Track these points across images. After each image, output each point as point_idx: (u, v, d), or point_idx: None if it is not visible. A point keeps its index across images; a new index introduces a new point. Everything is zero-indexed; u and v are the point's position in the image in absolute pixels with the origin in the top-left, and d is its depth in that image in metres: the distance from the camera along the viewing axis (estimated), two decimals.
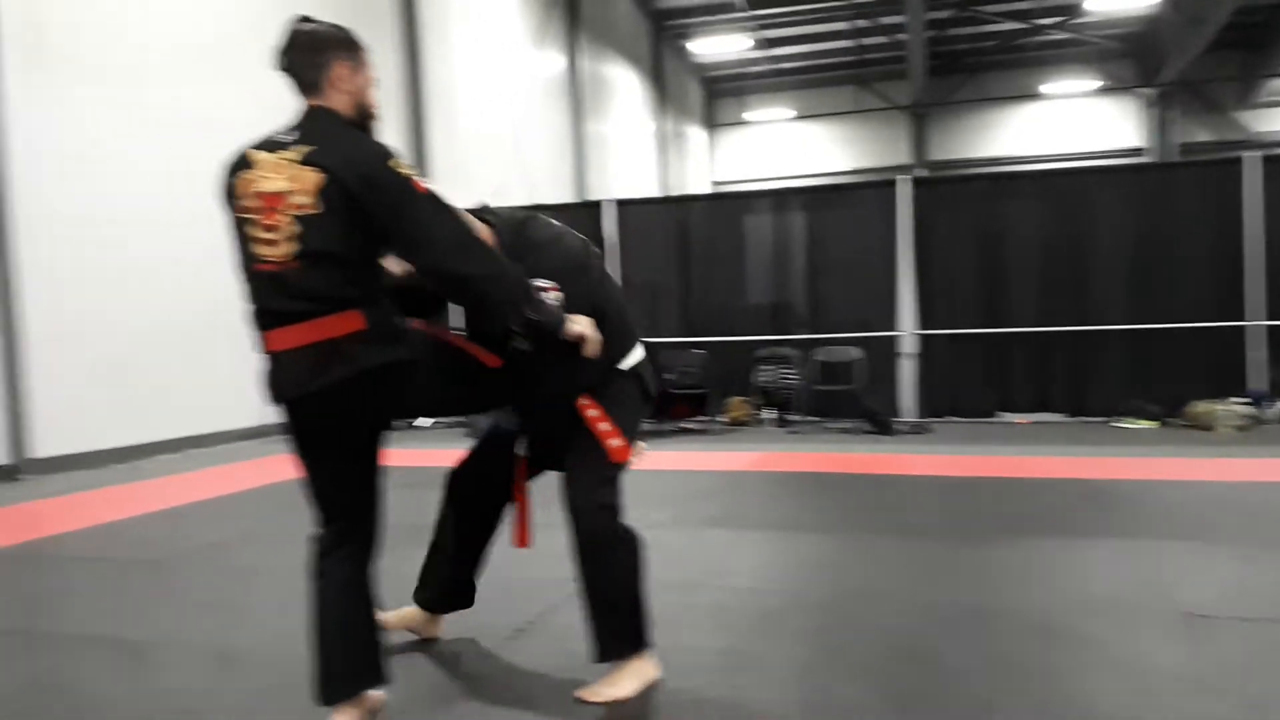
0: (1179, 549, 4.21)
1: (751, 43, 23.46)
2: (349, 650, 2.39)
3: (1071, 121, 25.00)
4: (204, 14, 9.07)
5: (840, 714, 2.59)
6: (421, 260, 2.32)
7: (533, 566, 3.41)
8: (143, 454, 8.13)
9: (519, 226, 2.71)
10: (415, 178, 2.28)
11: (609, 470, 2.66)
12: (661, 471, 6.84)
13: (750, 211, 10.23)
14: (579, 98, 18.27)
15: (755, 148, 28.15)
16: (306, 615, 2.43)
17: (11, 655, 3.22)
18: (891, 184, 9.57)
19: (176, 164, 8.43)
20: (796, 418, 9.33)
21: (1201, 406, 8.26)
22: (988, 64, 25.12)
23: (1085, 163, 20.06)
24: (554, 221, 2.81)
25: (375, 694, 2.46)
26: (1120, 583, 3.69)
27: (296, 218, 2.21)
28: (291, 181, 2.21)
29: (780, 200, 10.24)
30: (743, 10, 21.34)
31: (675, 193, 22.67)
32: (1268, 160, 8.62)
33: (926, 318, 9.37)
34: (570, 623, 2.87)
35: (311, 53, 2.34)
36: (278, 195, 2.22)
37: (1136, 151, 24.22)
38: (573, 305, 2.55)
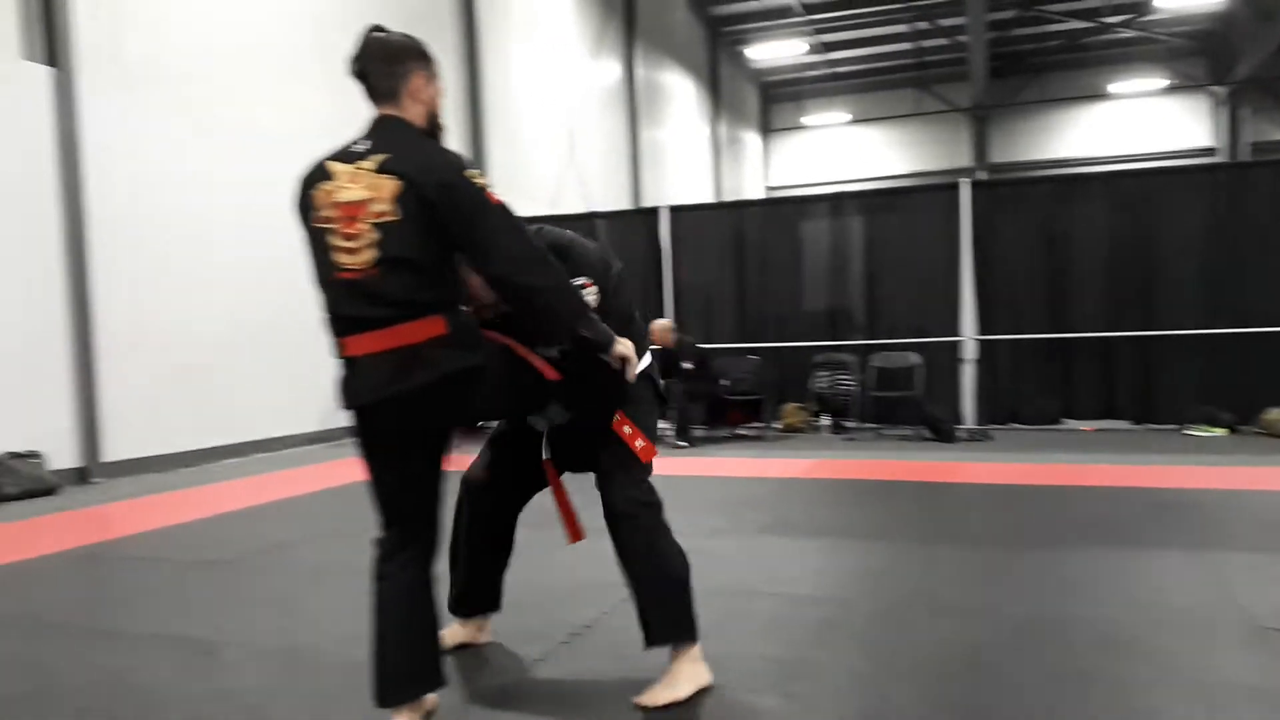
0: (1253, 560, 4.07)
1: (808, 47, 23.33)
2: (408, 653, 2.42)
3: (1139, 122, 24.44)
4: (271, 33, 9.30)
5: None
6: (492, 270, 2.34)
7: (590, 570, 3.42)
8: (210, 457, 8.35)
9: (535, 235, 2.77)
10: (489, 188, 2.32)
11: (640, 471, 2.74)
12: (716, 478, 6.82)
13: (806, 216, 10.16)
14: (635, 105, 18.34)
15: (811, 152, 27.98)
16: (369, 617, 2.46)
17: (85, 652, 3.32)
18: (952, 187, 9.44)
19: (244, 176, 8.68)
20: (853, 424, 9.24)
21: (1275, 413, 8.02)
22: (1052, 64, 24.66)
23: (1153, 163, 19.58)
24: (564, 230, 2.88)
25: (430, 696, 2.49)
26: (1190, 594, 3.59)
27: (376, 225, 2.25)
28: (370, 190, 2.25)
29: (837, 204, 10.15)
30: (800, 15, 21.23)
31: (730, 198, 22.61)
32: None
33: (987, 323, 9.22)
34: (627, 625, 2.87)
35: (390, 62, 2.38)
36: (358, 204, 2.26)
37: (1207, 151, 23.57)
38: (605, 303, 2.67)
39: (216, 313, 8.51)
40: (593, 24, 16.71)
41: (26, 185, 7.06)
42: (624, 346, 2.53)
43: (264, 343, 8.87)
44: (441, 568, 3.10)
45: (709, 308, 10.21)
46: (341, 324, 2.33)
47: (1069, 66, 24.67)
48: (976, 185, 9.48)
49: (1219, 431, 8.25)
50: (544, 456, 2.87)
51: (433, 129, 2.45)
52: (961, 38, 21.05)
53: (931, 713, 2.59)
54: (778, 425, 9.50)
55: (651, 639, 2.70)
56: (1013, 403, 9.23)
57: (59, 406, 7.25)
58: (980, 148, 25.27)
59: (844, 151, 27.32)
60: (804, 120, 27.85)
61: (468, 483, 3.02)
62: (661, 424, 9.14)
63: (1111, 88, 24.29)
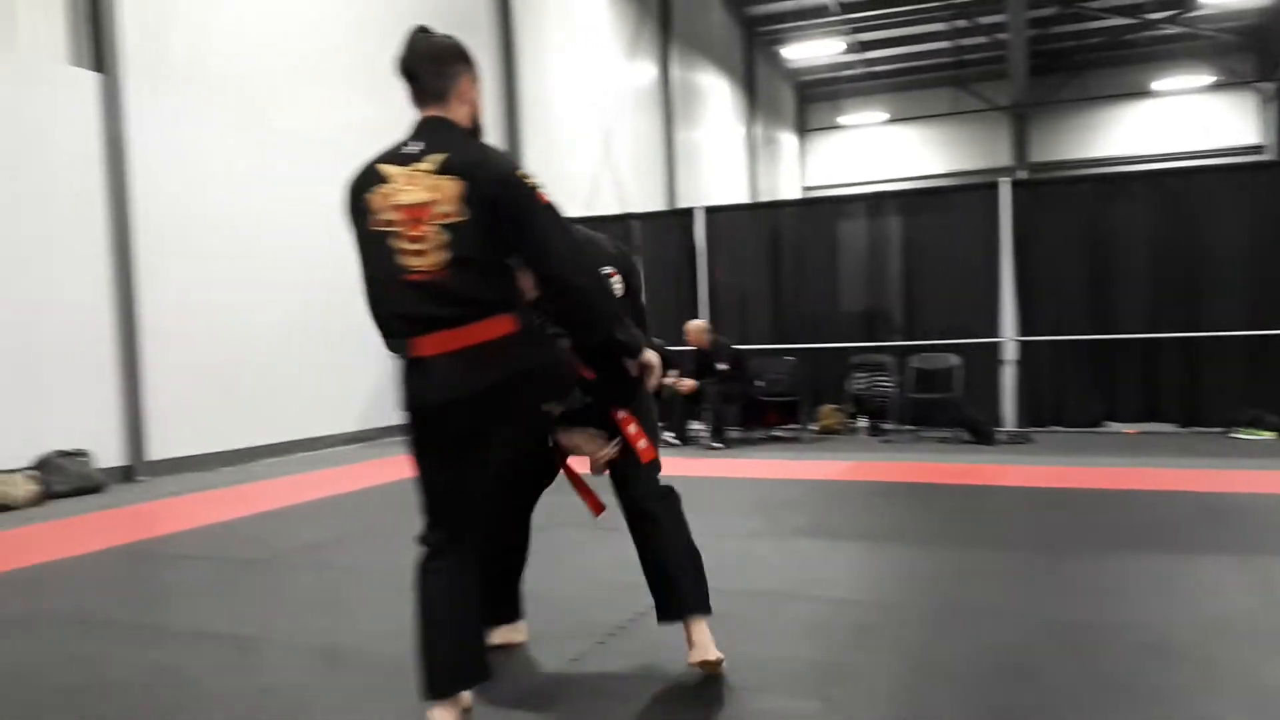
0: None
1: (845, 46, 23.18)
2: (458, 645, 2.44)
3: (1183, 119, 24.00)
4: (312, 36, 9.42)
5: None
6: (544, 268, 2.37)
7: (620, 573, 3.42)
8: (252, 457, 8.47)
9: None
10: (540, 189, 2.35)
11: (653, 468, 2.87)
12: (751, 480, 6.80)
13: (843, 216, 10.08)
14: (670, 105, 18.34)
15: (847, 152, 27.81)
16: (409, 614, 2.48)
17: (130, 647, 3.38)
18: (992, 186, 9.32)
19: (288, 178, 8.81)
20: (891, 426, 9.16)
21: None
22: (1093, 61, 24.27)
23: (1198, 162, 19.21)
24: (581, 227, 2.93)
25: (466, 695, 2.50)
26: (1239, 600, 3.52)
27: (444, 226, 2.26)
28: (432, 191, 2.27)
29: (875, 204, 10.08)
30: (836, 14, 21.10)
31: (766, 198, 22.53)
32: None
33: (1028, 323, 9.10)
34: (661, 627, 2.88)
35: (440, 63, 2.40)
36: (421, 206, 2.27)
37: (1255, 149, 23.08)
38: (628, 293, 2.84)
39: (259, 314, 8.63)
40: (628, 25, 16.73)
41: (74, 188, 7.20)
42: (650, 355, 2.66)
43: (305, 344, 8.98)
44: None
45: (744, 308, 10.17)
46: (409, 325, 2.32)
47: (1111, 63, 24.28)
48: (1017, 184, 9.36)
49: (1267, 434, 8.08)
50: (553, 441, 2.91)
51: (475, 130, 2.47)
52: (1001, 35, 20.79)
53: (971, 718, 2.56)
54: (814, 427, 9.44)
55: (689, 608, 2.82)
56: (1054, 405, 9.10)
57: (106, 406, 7.39)
58: (1020, 147, 24.91)
59: (881, 151, 27.12)
60: (840, 120, 27.68)
61: None
62: (696, 425, 9.14)
63: (1155, 85, 23.87)
